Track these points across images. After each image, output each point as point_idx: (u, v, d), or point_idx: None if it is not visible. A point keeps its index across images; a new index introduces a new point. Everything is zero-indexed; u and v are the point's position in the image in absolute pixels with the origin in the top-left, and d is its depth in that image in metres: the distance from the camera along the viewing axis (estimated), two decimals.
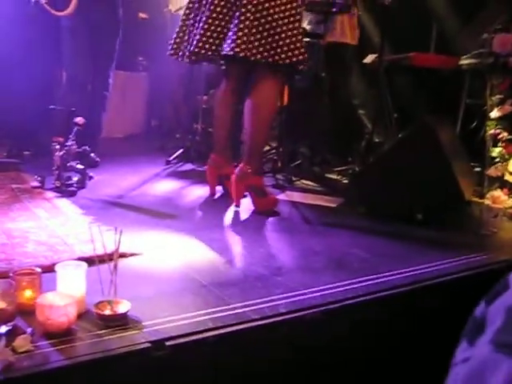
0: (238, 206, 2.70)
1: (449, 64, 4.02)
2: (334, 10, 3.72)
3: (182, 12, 4.29)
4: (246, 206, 2.72)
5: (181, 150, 3.92)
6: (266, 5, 2.51)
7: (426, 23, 4.56)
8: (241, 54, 2.47)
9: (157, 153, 4.23)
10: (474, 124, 3.67)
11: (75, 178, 2.83)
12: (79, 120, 2.91)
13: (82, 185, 2.82)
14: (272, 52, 2.53)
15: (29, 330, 1.28)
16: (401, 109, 4.29)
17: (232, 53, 2.47)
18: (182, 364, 1.31)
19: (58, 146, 2.79)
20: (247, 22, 2.48)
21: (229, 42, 2.50)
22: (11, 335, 1.24)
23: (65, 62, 3.59)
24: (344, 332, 1.65)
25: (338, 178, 3.67)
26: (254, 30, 2.49)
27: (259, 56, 2.51)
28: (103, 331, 1.32)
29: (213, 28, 2.58)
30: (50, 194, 2.67)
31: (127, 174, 3.36)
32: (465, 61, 3.80)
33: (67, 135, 2.90)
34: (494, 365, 0.59)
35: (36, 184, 2.77)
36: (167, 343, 1.29)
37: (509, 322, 0.62)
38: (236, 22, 2.50)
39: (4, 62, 3.87)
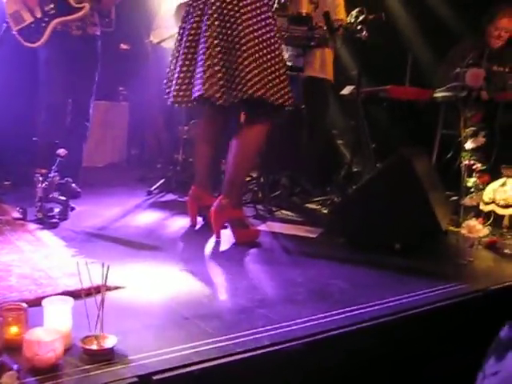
0: (218, 238, 2.73)
1: (424, 96, 4.14)
2: (312, 43, 3.81)
3: (164, 44, 4.38)
4: (228, 237, 2.75)
5: (162, 181, 3.95)
6: (264, 43, 2.58)
7: (400, 57, 4.70)
8: (257, 94, 2.53)
9: (137, 182, 4.25)
10: (450, 154, 3.77)
11: (57, 210, 2.84)
12: (61, 152, 2.92)
13: (64, 216, 2.84)
14: (277, 95, 2.60)
15: (15, 366, 1.28)
16: (378, 139, 4.39)
17: (256, 95, 2.52)
18: None
19: (40, 178, 2.81)
20: (253, 64, 2.53)
21: (248, 84, 2.53)
22: None
23: (42, 93, 3.61)
24: (326, 363, 1.68)
25: (318, 208, 3.73)
26: (257, 71, 2.55)
27: (264, 95, 2.57)
28: (90, 366, 1.34)
29: (214, 70, 2.57)
30: (32, 226, 2.67)
31: (109, 204, 3.37)
32: (439, 93, 3.92)
33: (49, 167, 2.92)
34: None
35: (18, 216, 2.77)
36: (154, 377, 1.31)
37: None
38: (241, 66, 2.53)
39: None
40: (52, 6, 3.31)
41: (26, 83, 3.90)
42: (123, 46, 5.38)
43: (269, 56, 2.60)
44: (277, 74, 2.62)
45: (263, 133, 2.75)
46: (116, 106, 5.42)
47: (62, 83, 3.49)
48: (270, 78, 2.58)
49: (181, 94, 2.72)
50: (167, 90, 2.83)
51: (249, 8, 2.57)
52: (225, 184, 2.78)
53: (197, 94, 2.60)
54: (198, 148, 3.03)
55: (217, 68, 2.56)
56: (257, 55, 2.56)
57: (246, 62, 2.54)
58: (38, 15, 3.32)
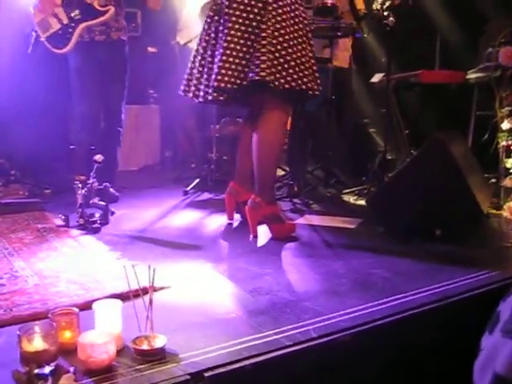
0: (255, 236, 2.73)
1: (456, 79, 4.08)
2: (339, 33, 3.80)
3: (191, 45, 4.42)
4: (265, 232, 2.76)
5: (197, 180, 3.98)
6: (286, 37, 2.59)
7: (429, 40, 4.63)
8: (267, 78, 2.52)
9: (173, 183, 4.30)
10: (486, 136, 3.70)
11: (97, 215, 2.89)
12: (98, 158, 2.97)
13: (105, 221, 2.88)
14: (299, 81, 2.61)
15: (71, 368, 1.32)
16: (411, 125, 4.35)
17: (258, 78, 2.53)
18: None
19: (79, 185, 2.86)
20: (270, 50, 2.55)
21: (255, 68, 2.54)
22: (55, 375, 1.28)
23: (74, 100, 3.67)
24: (373, 353, 1.67)
25: (354, 198, 3.71)
26: (280, 60, 2.56)
27: (283, 83, 2.57)
28: (142, 366, 1.37)
29: (231, 60, 2.60)
30: (75, 232, 2.73)
31: (147, 206, 3.42)
32: (472, 75, 3.85)
33: (87, 173, 2.98)
34: (500, 347, 0.75)
35: (61, 223, 2.83)
36: (206, 374, 1.33)
37: None
38: (257, 53, 2.55)
39: (19, 104, 3.99)
40: (77, 11, 3.36)
41: (59, 92, 3.97)
42: (150, 50, 5.44)
43: (291, 43, 2.61)
44: (307, 61, 2.63)
45: (281, 123, 2.75)
46: (147, 109, 5.48)
47: (94, 90, 3.54)
48: (286, 65, 2.58)
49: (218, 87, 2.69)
50: (185, 88, 2.85)
51: None
52: (255, 183, 2.77)
53: (258, 77, 2.56)
54: (239, 145, 3.03)
55: (234, 54, 2.58)
56: (274, 47, 2.56)
57: (263, 49, 2.54)
58: (65, 21, 3.37)
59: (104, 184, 3.04)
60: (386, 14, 3.61)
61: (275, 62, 2.56)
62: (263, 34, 2.56)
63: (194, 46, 4.38)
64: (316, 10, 3.72)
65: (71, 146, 3.54)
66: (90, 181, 2.91)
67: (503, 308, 0.80)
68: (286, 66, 2.59)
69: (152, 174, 4.99)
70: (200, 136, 4.96)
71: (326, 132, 4.16)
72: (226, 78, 2.59)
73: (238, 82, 2.60)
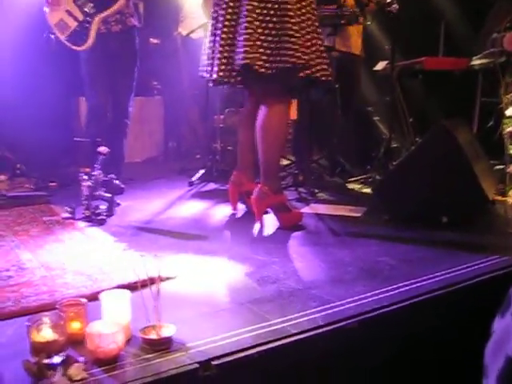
0: (261, 225, 2.73)
1: (460, 65, 4.06)
2: (343, 22, 3.77)
3: (193, 35, 4.41)
4: (271, 221, 2.76)
5: (202, 171, 3.98)
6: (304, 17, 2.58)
7: (433, 27, 4.60)
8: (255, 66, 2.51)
9: (177, 174, 4.29)
10: (491, 123, 3.69)
11: (103, 207, 2.89)
12: (103, 149, 2.98)
13: (110, 212, 2.89)
14: (313, 69, 2.60)
15: (81, 358, 1.33)
16: (416, 113, 4.33)
17: (243, 62, 2.51)
18: (229, 382, 1.36)
19: (85, 177, 2.87)
20: (262, 37, 2.53)
21: (241, 55, 2.54)
22: (65, 365, 1.29)
23: (85, 92, 3.68)
24: (381, 339, 1.68)
25: (360, 186, 3.70)
26: (265, 44, 2.54)
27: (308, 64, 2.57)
28: (151, 355, 1.38)
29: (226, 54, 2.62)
30: (81, 224, 2.74)
31: (152, 198, 3.42)
32: (476, 61, 3.83)
33: (92, 165, 2.98)
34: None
35: (67, 215, 2.84)
36: (213, 363, 1.33)
37: None
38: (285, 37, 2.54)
39: (25, 98, 4.00)
40: (92, 5, 3.36)
41: (65, 86, 3.98)
42: (153, 41, 5.42)
43: (309, 29, 2.59)
44: (317, 47, 2.61)
45: (284, 111, 2.73)
46: (151, 101, 5.47)
47: (103, 82, 3.55)
48: (313, 49, 2.58)
49: (223, 72, 2.69)
50: (206, 69, 2.83)
51: None
52: (261, 172, 2.76)
53: (241, 62, 2.55)
54: (241, 134, 3.03)
55: (258, 37, 2.55)
56: (298, 27, 2.54)
57: (290, 32, 2.53)
58: (80, 18, 3.37)
59: (109, 176, 3.04)
60: (389, 0, 3.59)
61: (261, 50, 2.53)
62: (285, 17, 2.54)
63: (196, 36, 4.40)
64: None
65: (76, 139, 3.54)
66: (96, 172, 2.91)
67: None
68: (315, 53, 2.59)
69: (156, 166, 4.99)
70: (204, 127, 4.96)
71: (331, 121, 4.15)
72: (253, 60, 2.54)
73: (266, 64, 2.56)
